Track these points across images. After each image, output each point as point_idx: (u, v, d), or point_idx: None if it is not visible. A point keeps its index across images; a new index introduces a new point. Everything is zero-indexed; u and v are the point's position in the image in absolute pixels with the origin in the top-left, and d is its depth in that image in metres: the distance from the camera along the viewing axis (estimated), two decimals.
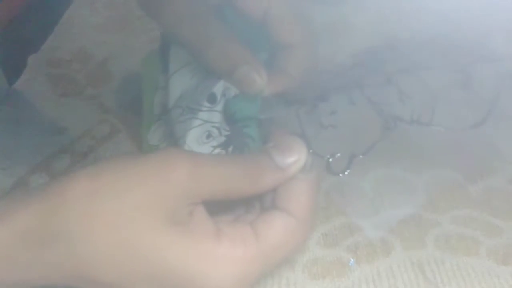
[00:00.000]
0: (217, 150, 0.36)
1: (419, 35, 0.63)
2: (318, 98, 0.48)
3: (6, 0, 0.64)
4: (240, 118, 0.36)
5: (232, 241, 0.27)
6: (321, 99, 0.49)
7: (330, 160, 0.45)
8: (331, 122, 0.47)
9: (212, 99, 0.37)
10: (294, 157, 0.30)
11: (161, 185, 0.27)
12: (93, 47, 0.66)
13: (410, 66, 0.57)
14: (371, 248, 0.41)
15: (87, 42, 0.66)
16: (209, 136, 0.36)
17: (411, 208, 0.43)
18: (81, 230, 0.27)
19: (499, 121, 0.51)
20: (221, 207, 0.31)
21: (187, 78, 0.41)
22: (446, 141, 0.50)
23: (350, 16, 0.68)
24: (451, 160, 0.48)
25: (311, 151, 0.39)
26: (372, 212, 0.44)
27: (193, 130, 0.37)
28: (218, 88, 0.37)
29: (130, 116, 0.55)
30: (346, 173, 0.44)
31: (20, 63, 0.62)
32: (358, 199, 0.45)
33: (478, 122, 0.51)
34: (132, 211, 0.27)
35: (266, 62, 0.39)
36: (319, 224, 0.43)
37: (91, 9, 0.73)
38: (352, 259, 0.40)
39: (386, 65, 0.56)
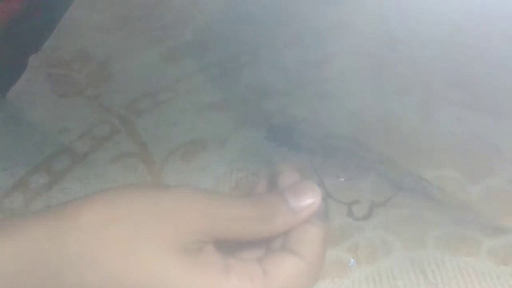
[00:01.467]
0: None
1: (419, 35, 0.63)
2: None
3: (6, 0, 0.64)
4: None
5: (240, 277, 0.28)
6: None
7: (352, 206, 0.45)
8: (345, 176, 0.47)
9: None
10: (309, 201, 0.30)
11: (176, 221, 0.27)
12: (93, 48, 0.66)
13: None
14: (372, 248, 0.41)
15: (88, 42, 0.67)
16: None
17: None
18: (92, 255, 0.26)
19: (499, 121, 0.51)
20: (230, 243, 0.31)
21: None
22: (446, 141, 0.50)
23: (350, 16, 0.68)
24: (451, 160, 0.48)
25: (330, 198, 0.39)
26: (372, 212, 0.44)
27: None
28: None
29: (130, 116, 0.55)
30: (368, 220, 0.44)
31: (20, 63, 0.62)
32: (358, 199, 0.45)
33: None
34: (146, 242, 0.27)
35: None
36: None
37: (91, 10, 0.73)
38: (352, 259, 0.40)
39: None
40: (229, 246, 0.30)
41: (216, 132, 0.53)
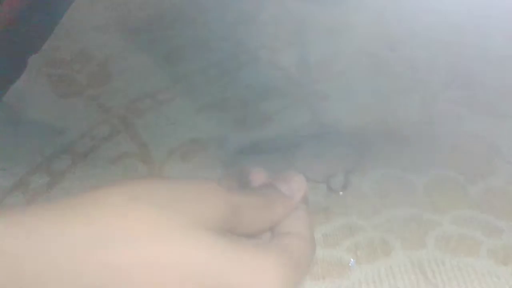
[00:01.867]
0: None
1: (419, 35, 0.63)
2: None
3: (6, 0, 0.64)
4: None
5: (273, 252, 0.28)
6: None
7: (330, 181, 0.47)
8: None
9: None
10: (298, 185, 0.33)
11: (202, 206, 0.28)
12: (93, 48, 0.66)
13: None
14: (371, 249, 0.41)
15: (88, 42, 0.67)
16: None
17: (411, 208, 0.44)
18: (122, 235, 0.25)
19: (499, 121, 0.51)
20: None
21: None
22: (446, 141, 0.50)
23: (350, 16, 0.68)
24: (451, 160, 0.48)
25: (309, 181, 0.41)
26: (373, 212, 0.44)
27: None
28: None
29: (130, 116, 0.55)
30: (344, 190, 0.47)
31: (20, 63, 0.62)
32: (358, 200, 0.45)
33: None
34: (175, 224, 0.26)
35: None
36: (319, 225, 0.43)
37: (91, 10, 0.73)
38: (352, 260, 0.40)
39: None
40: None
41: (216, 132, 0.53)
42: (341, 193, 0.46)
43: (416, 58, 0.60)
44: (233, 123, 0.54)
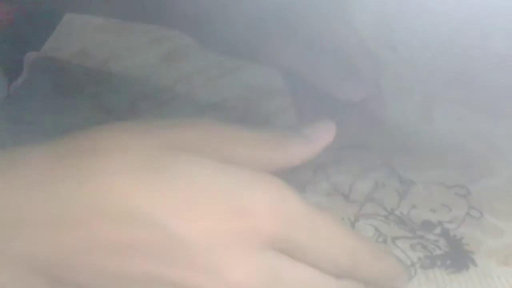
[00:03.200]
0: None
1: (419, 35, 0.63)
2: None
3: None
4: None
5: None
6: None
7: None
8: None
9: None
10: (323, 131, 0.29)
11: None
12: (93, 48, 0.66)
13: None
14: None
15: (88, 42, 0.66)
16: None
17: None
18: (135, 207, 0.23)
19: (499, 121, 0.51)
20: None
21: None
22: (446, 141, 0.50)
23: (350, 16, 0.68)
24: (451, 160, 0.48)
25: None
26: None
27: None
28: None
29: (130, 116, 0.55)
30: None
31: (20, 63, 0.62)
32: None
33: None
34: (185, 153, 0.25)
35: None
36: None
37: None
38: None
39: None
40: None
41: None
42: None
43: (416, 58, 0.60)
44: (233, 123, 0.54)
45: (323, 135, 0.29)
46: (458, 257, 0.39)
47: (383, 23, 0.66)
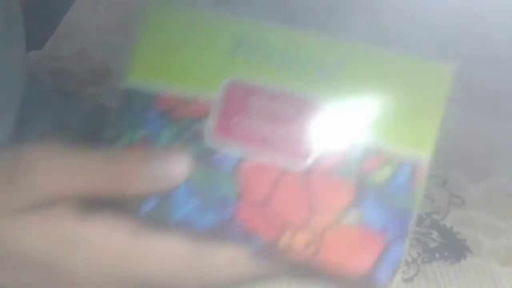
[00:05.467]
0: None
1: (419, 35, 0.63)
2: None
3: None
4: None
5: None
6: None
7: None
8: None
9: None
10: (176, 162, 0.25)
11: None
12: (94, 48, 0.66)
13: None
14: None
15: (88, 42, 0.67)
16: None
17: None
18: None
19: (499, 121, 0.51)
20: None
21: None
22: (446, 141, 0.50)
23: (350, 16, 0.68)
24: (451, 160, 0.48)
25: None
26: None
27: None
28: None
29: None
30: None
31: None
32: None
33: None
34: None
35: None
36: None
37: (92, 10, 0.73)
38: None
39: None
40: None
41: None
42: None
43: None
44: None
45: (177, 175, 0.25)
46: (453, 246, 0.39)
47: (383, 23, 0.66)
